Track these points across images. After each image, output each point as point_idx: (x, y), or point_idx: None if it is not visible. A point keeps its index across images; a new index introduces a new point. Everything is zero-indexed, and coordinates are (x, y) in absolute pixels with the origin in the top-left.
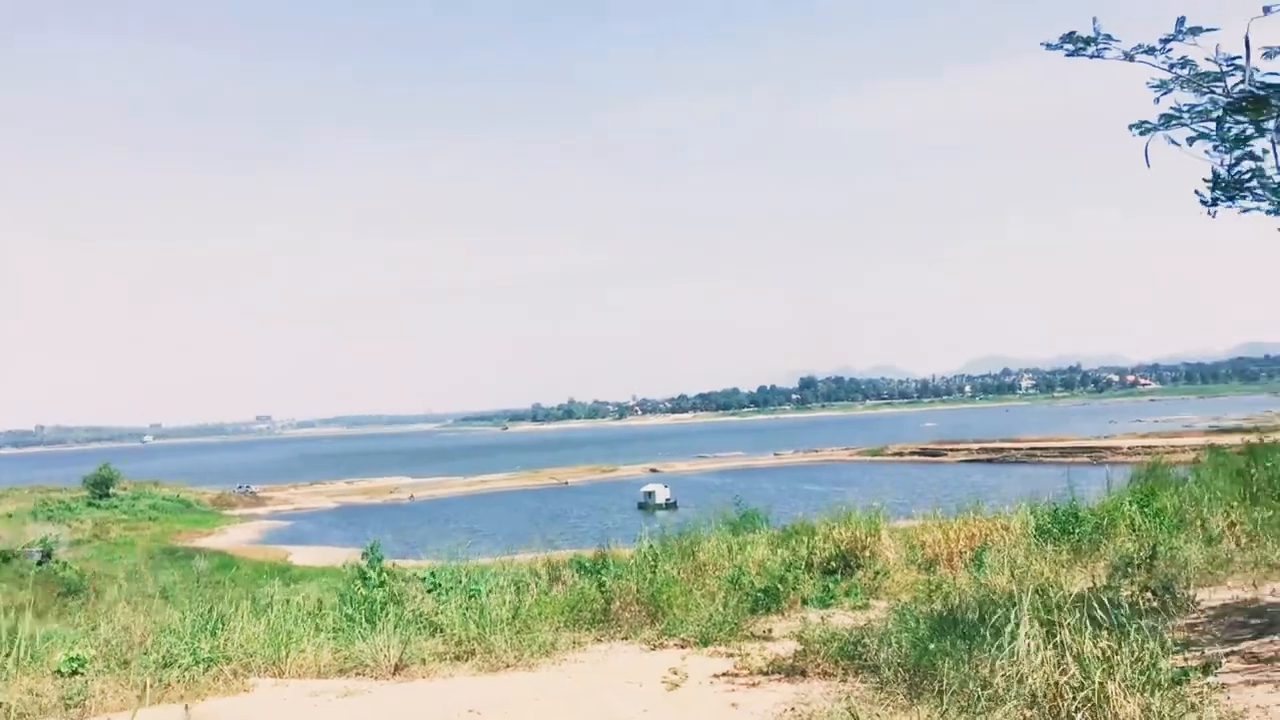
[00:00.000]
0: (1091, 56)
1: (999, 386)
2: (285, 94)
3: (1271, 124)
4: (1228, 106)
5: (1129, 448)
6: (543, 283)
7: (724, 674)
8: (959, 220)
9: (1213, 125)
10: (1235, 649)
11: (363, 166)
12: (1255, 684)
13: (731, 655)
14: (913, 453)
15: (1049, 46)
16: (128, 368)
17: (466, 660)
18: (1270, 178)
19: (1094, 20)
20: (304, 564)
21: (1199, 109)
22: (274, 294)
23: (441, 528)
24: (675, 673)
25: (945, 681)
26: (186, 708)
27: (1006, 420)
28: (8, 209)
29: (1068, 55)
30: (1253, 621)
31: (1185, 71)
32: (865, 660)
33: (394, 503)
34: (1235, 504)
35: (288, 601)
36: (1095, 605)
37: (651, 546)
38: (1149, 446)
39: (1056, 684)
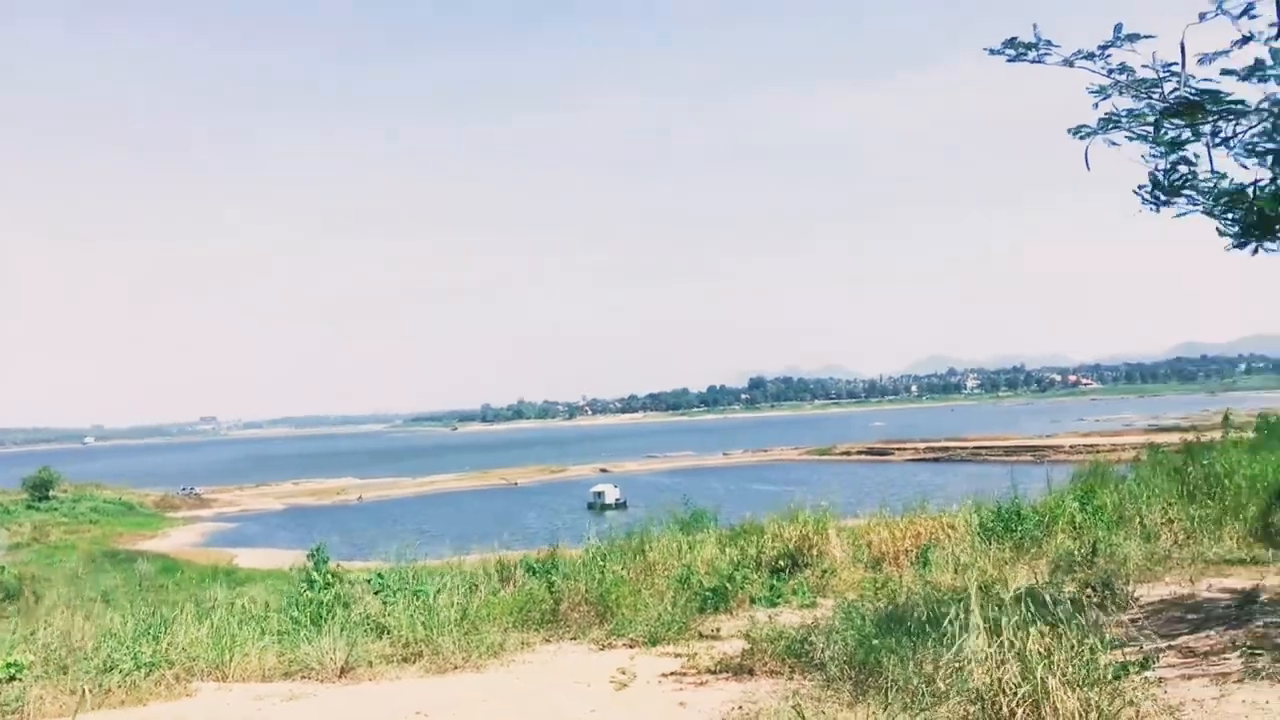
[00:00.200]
0: (1033, 62)
1: (945, 386)
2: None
3: (1206, 128)
4: (1164, 111)
5: (1071, 446)
6: (491, 284)
7: (672, 673)
8: (910, 223)
9: (1150, 129)
10: (1172, 644)
11: (295, 156)
12: (1191, 678)
13: (680, 655)
14: (860, 452)
15: (992, 52)
16: (68, 368)
17: (414, 662)
18: (1204, 182)
19: (1035, 27)
20: (250, 566)
21: (1136, 113)
22: (221, 296)
23: (390, 529)
24: (623, 672)
25: (890, 678)
26: None
27: (952, 419)
28: None
29: (1009, 61)
30: (1189, 616)
31: (1124, 77)
32: (812, 658)
33: (342, 504)
34: (1173, 502)
35: (232, 605)
36: (1037, 602)
37: (600, 547)
38: (1091, 445)
39: (999, 680)
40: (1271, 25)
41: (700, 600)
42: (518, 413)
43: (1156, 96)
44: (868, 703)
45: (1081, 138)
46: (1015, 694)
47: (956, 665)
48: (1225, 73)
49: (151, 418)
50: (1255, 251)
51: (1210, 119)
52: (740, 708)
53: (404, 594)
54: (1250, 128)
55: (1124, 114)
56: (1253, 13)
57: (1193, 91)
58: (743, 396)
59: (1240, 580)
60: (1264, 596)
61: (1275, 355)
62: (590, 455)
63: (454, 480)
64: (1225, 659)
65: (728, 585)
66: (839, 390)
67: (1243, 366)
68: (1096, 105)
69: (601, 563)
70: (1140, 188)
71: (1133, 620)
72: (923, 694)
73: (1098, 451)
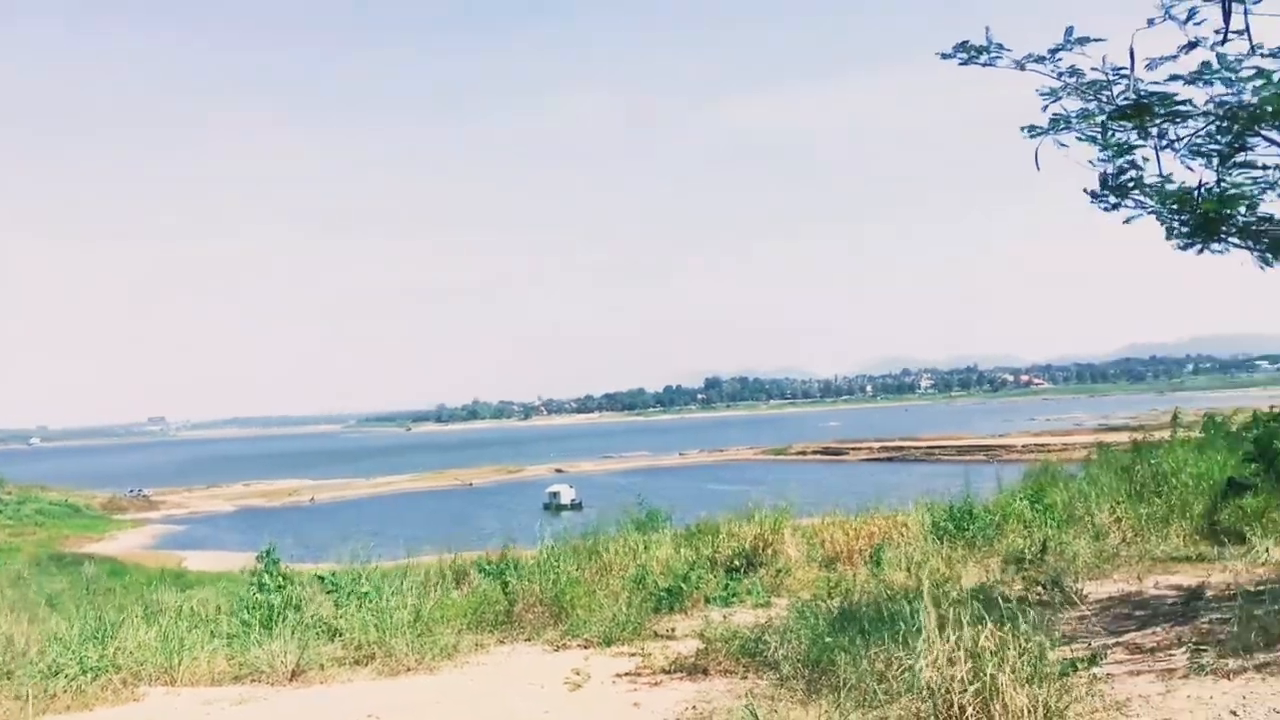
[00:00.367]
0: (984, 65)
1: (899, 386)
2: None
3: (1154, 131)
4: (1112, 113)
5: (1023, 445)
6: (445, 285)
7: (627, 673)
8: (862, 223)
9: (1099, 130)
10: (1120, 640)
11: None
12: (1138, 674)
13: (634, 655)
14: (816, 451)
15: (944, 55)
16: (12, 368)
17: (366, 665)
18: (1149, 186)
19: (987, 30)
20: (200, 569)
21: (1085, 114)
22: (168, 294)
23: (343, 530)
24: (578, 673)
25: (843, 677)
26: None
27: (906, 419)
28: None
29: (961, 64)
30: (1137, 613)
31: (1074, 80)
32: (766, 657)
33: (294, 505)
34: (1121, 500)
35: (181, 608)
36: (988, 600)
37: (554, 547)
38: (1042, 445)
39: (950, 677)
40: (1217, 31)
41: (655, 600)
42: (473, 413)
43: (1105, 99)
44: (821, 701)
45: (1033, 137)
46: (966, 691)
47: (908, 663)
48: (1173, 77)
49: (99, 418)
50: (1201, 252)
51: (1158, 121)
52: (694, 707)
53: (357, 596)
54: (1196, 130)
55: (1074, 115)
56: (1198, 19)
57: (1141, 94)
58: (699, 396)
59: (1186, 577)
60: (1209, 593)
61: (1222, 355)
62: (546, 455)
63: (409, 481)
64: (1171, 655)
65: (683, 585)
66: (795, 390)
67: (1190, 367)
68: (1045, 108)
69: (556, 563)
70: (1089, 190)
71: (1081, 617)
72: (875, 692)
73: (1049, 451)
